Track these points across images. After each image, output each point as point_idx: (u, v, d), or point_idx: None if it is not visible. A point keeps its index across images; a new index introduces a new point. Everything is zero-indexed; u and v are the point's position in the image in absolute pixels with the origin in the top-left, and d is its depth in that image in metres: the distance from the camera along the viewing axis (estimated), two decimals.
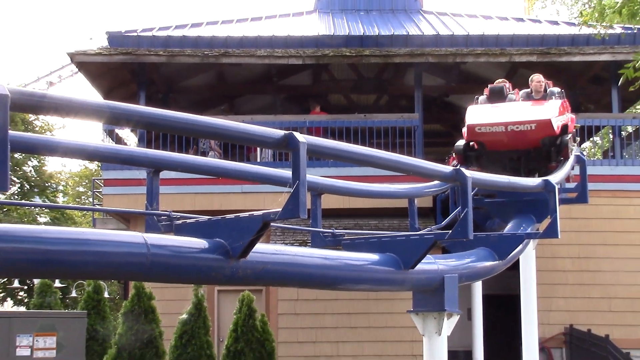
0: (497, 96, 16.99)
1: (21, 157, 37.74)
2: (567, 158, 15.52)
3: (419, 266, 9.50)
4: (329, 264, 8.99)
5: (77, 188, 47.88)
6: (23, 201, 37.94)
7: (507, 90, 17.20)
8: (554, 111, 15.58)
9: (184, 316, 16.47)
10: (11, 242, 6.24)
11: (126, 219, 23.42)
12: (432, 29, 25.62)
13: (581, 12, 14.32)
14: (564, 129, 15.89)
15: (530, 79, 17.21)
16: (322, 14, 27.92)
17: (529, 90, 16.90)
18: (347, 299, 20.51)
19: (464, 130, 16.12)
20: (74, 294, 31.01)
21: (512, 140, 15.16)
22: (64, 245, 6.60)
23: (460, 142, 16.25)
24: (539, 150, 15.33)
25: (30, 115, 34.66)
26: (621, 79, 12.14)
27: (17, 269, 7.23)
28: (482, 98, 17.26)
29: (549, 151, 15.37)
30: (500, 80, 17.92)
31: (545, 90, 16.75)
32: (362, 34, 24.89)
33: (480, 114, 16.22)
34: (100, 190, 25.86)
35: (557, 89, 16.83)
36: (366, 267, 9.26)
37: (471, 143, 15.89)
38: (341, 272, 9.15)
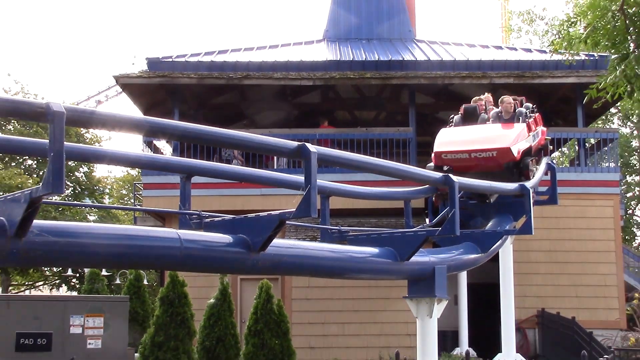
0: (471, 116, 16.26)
1: (74, 164, 37.79)
2: (528, 178, 14.36)
3: (413, 258, 9.48)
4: (336, 257, 8.98)
5: (121, 191, 47.94)
6: (75, 202, 38.01)
7: (482, 108, 16.44)
8: (513, 139, 14.42)
9: (212, 301, 16.44)
10: (67, 237, 6.24)
11: (162, 218, 23.43)
12: (424, 55, 25.59)
13: (552, 42, 14.25)
14: (528, 151, 14.85)
15: (500, 100, 16.29)
16: (329, 42, 27.92)
17: (499, 110, 16.02)
18: (352, 287, 20.48)
19: (433, 155, 15.21)
20: (118, 281, 30.98)
21: (476, 164, 13.92)
22: (111, 239, 6.61)
23: (431, 164, 15.25)
24: (502, 172, 14.08)
25: (81, 128, 34.68)
26: (586, 98, 12.07)
27: (72, 260, 7.22)
28: (457, 118, 16.54)
29: (512, 173, 14.22)
30: (476, 98, 17.27)
31: (514, 110, 15.81)
32: (364, 59, 24.91)
33: (446, 141, 15.21)
34: (141, 192, 25.87)
35: (525, 109, 15.98)
36: (368, 259, 9.24)
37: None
38: (346, 263, 9.14)
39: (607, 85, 10.01)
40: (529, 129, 15.28)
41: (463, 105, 16.81)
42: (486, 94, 17.27)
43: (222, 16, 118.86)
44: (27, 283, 42.68)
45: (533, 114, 16.13)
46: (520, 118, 15.31)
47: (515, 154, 14.03)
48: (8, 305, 15.73)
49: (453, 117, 16.62)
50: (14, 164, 38.74)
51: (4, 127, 38.00)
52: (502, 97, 16.29)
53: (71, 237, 6.28)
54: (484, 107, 16.55)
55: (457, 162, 13.87)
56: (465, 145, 14.53)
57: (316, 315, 21.34)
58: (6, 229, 5.56)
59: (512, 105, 15.92)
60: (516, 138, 14.48)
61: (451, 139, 15.21)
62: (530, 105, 16.54)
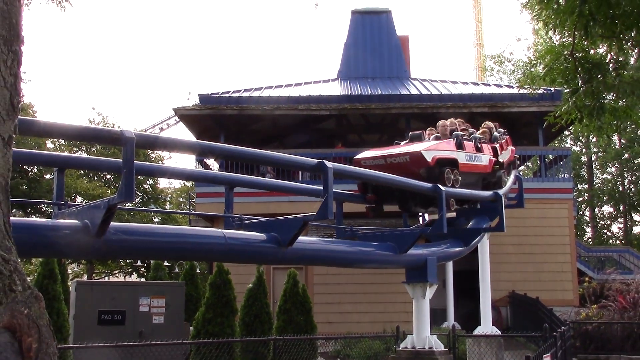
0: (416, 141, 13.14)
1: (142, 178, 37.98)
2: (444, 184, 11.03)
3: (410, 251, 9.46)
4: (349, 250, 8.97)
5: (179, 199, 48.11)
6: (143, 208, 38.18)
7: (428, 135, 13.41)
8: (427, 146, 11.59)
9: (250, 286, 16.40)
10: (137, 235, 6.27)
11: (211, 220, 23.44)
12: (417, 90, 25.57)
13: (519, 79, 14.19)
14: (448, 162, 11.70)
15: (437, 124, 13.84)
16: (342, 80, 27.96)
17: (438, 134, 13.26)
18: (361, 274, 20.40)
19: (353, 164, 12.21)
20: (176, 270, 31.08)
21: (394, 171, 10.54)
22: (171, 237, 6.63)
23: None
24: (422, 179, 10.86)
25: (148, 150, 34.87)
26: (545, 123, 12.01)
27: (141, 253, 7.25)
28: (403, 143, 13.50)
29: (429, 180, 10.84)
30: (430, 128, 14.22)
31: (451, 133, 13.02)
32: (369, 94, 24.92)
33: (368, 151, 12.46)
34: (194, 200, 25.94)
35: (462, 132, 13.15)
36: (374, 252, 9.23)
37: None
38: (357, 255, 9.13)
39: (562, 113, 9.96)
40: (459, 147, 12.49)
41: (410, 133, 14.20)
42: (451, 119, 14.51)
43: (255, 56, 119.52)
44: (106, 271, 42.90)
45: (474, 140, 13.31)
46: (456, 138, 12.67)
47: (429, 159, 11.20)
48: (92, 289, 15.81)
49: (400, 142, 13.82)
50: (96, 178, 39.04)
51: (89, 150, 38.32)
52: (440, 120, 13.95)
53: (140, 235, 6.31)
54: (433, 133, 13.61)
55: (374, 168, 10.81)
56: (382, 152, 11.97)
57: (333, 297, 21.31)
58: (89, 229, 5.60)
59: (448, 128, 13.41)
60: (432, 146, 11.76)
61: (373, 150, 12.76)
62: (478, 135, 13.76)
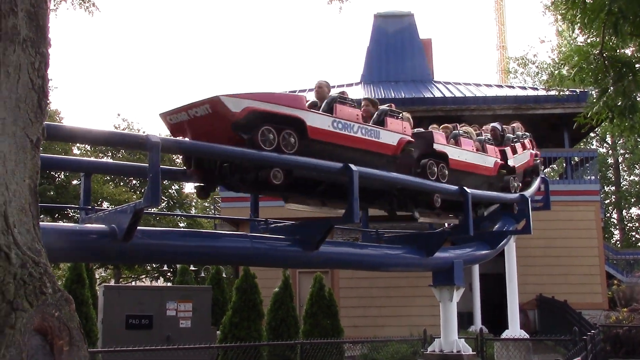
0: None
1: (168, 182, 38.19)
2: (257, 148, 6.94)
3: (436, 254, 9.38)
4: (375, 253, 8.92)
5: (204, 203, 48.32)
6: (169, 212, 38.41)
7: None
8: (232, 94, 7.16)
9: (276, 289, 16.40)
10: (163, 239, 6.28)
11: (236, 224, 23.49)
12: (441, 93, 25.41)
13: (546, 81, 14.01)
14: (272, 118, 7.26)
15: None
16: (365, 84, 27.91)
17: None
18: (387, 277, 20.32)
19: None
20: (203, 275, 31.21)
21: (200, 129, 7.01)
22: (197, 241, 6.63)
23: None
24: (241, 142, 6.94)
25: (173, 155, 35.08)
26: (575, 124, 11.85)
27: (167, 257, 7.25)
28: None
29: (244, 143, 6.97)
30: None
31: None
32: (393, 97, 24.80)
33: None
34: (219, 204, 26.02)
35: (349, 98, 9.24)
36: (400, 255, 9.16)
37: None
38: (383, 259, 9.07)
39: (592, 114, 9.84)
40: (330, 111, 8.62)
41: None
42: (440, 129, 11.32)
43: (278, 60, 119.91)
44: (133, 276, 43.21)
45: (383, 112, 9.69)
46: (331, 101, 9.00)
47: (235, 109, 6.94)
48: (119, 294, 15.91)
49: None
50: (122, 183, 39.39)
51: (115, 155, 38.68)
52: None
53: (166, 239, 6.32)
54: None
55: (181, 125, 7.23)
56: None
57: (359, 301, 21.22)
58: (116, 233, 5.62)
59: (325, 88, 9.85)
60: (244, 93, 7.17)
61: None
62: (386, 108, 9.99)
